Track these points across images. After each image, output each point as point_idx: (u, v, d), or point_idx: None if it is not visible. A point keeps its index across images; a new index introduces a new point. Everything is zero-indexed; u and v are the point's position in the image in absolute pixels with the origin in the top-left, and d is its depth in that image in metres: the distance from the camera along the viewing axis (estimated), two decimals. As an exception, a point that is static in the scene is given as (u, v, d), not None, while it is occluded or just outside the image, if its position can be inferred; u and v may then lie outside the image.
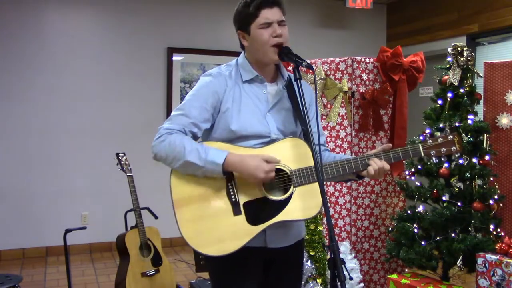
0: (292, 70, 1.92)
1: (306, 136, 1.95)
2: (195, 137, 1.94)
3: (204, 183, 1.87)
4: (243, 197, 1.86)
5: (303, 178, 1.87)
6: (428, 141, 1.95)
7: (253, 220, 1.84)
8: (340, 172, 1.89)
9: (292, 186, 1.87)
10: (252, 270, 1.96)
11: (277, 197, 1.87)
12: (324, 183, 1.77)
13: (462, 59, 3.45)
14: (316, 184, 1.86)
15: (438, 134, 2.01)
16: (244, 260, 1.89)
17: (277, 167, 1.88)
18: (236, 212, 1.85)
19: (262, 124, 1.94)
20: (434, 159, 1.98)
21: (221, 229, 1.84)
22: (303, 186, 1.87)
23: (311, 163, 1.87)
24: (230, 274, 1.95)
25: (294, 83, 1.92)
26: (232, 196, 1.86)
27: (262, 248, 1.93)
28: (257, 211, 1.84)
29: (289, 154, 1.89)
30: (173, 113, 1.95)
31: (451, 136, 1.96)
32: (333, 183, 3.89)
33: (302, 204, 1.86)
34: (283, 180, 1.89)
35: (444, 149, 1.95)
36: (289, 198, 1.86)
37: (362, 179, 1.97)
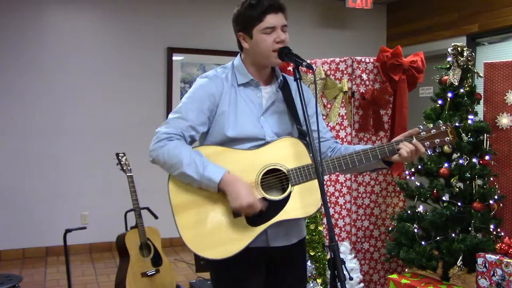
0: (292, 70, 1.92)
1: (303, 136, 1.96)
2: (193, 140, 1.94)
3: None
4: None
5: (300, 176, 1.87)
6: (422, 133, 1.93)
7: (253, 221, 1.85)
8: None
9: (290, 185, 1.87)
10: (254, 269, 1.97)
11: (275, 197, 1.87)
12: (325, 180, 1.77)
13: (462, 59, 3.45)
14: (314, 182, 1.87)
15: (431, 125, 1.99)
16: (246, 259, 1.89)
17: (274, 167, 1.88)
18: (236, 214, 1.85)
19: (256, 128, 1.94)
20: (428, 151, 1.97)
21: (222, 232, 1.84)
22: (301, 185, 1.88)
23: (308, 161, 1.89)
24: (233, 274, 1.95)
25: (294, 83, 1.91)
26: None
27: (264, 247, 1.93)
28: (257, 212, 1.83)
29: (285, 154, 1.90)
30: (170, 116, 1.94)
31: (444, 127, 1.94)
32: (333, 182, 3.89)
33: (301, 202, 1.87)
34: (280, 180, 1.90)
35: (438, 140, 1.93)
36: (288, 197, 1.87)
37: (391, 165, 1.97)
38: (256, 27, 1.90)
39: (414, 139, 1.91)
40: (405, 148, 1.88)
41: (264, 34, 1.89)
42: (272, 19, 1.89)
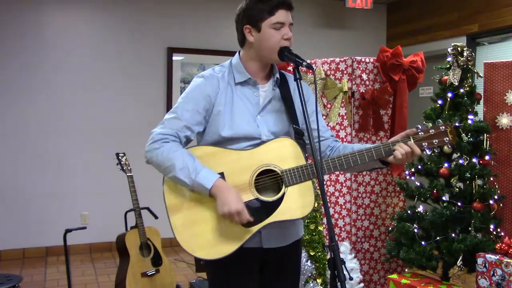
0: (292, 70, 1.92)
1: (299, 135, 1.95)
2: (188, 140, 1.94)
3: None
4: None
5: (294, 177, 1.86)
6: (420, 133, 1.88)
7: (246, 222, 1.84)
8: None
9: (284, 186, 1.87)
10: (249, 270, 1.97)
11: (269, 198, 1.87)
12: (324, 180, 1.77)
13: (462, 59, 3.45)
14: (309, 183, 1.87)
15: (430, 125, 1.94)
16: (240, 260, 1.89)
17: (268, 168, 1.88)
18: None
19: (252, 127, 1.93)
20: (427, 151, 1.93)
21: (215, 233, 1.84)
22: (296, 186, 1.87)
23: (302, 162, 1.88)
24: (227, 275, 1.95)
25: (294, 83, 1.91)
26: None
27: (258, 248, 1.93)
28: (250, 213, 1.83)
29: (280, 154, 1.89)
30: (166, 116, 1.95)
31: (443, 127, 1.89)
32: (333, 182, 3.89)
33: (295, 203, 1.86)
34: (275, 180, 1.89)
35: (437, 141, 1.88)
36: (282, 198, 1.86)
37: (388, 165, 1.95)
38: (266, 21, 1.90)
39: (411, 139, 1.87)
40: (400, 150, 1.85)
41: (273, 29, 1.89)
42: (282, 15, 1.90)
